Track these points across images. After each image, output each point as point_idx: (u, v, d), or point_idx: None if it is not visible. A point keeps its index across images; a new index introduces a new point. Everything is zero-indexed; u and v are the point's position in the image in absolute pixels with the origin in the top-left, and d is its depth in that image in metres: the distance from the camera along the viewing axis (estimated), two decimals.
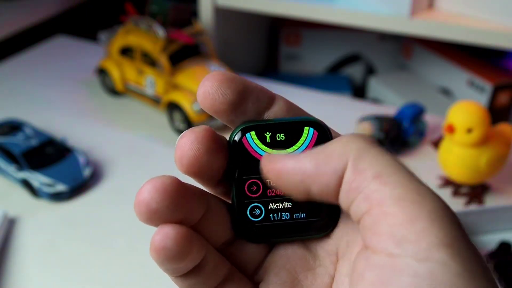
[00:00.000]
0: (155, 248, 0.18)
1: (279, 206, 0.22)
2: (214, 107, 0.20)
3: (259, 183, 0.22)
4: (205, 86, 0.20)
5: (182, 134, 0.20)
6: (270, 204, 0.22)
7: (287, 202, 0.22)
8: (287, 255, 0.22)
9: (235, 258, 0.22)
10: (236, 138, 0.21)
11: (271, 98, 0.22)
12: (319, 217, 0.22)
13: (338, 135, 0.22)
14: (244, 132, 0.21)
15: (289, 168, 0.19)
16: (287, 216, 0.22)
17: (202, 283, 0.20)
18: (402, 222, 0.16)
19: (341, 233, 0.21)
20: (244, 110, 0.21)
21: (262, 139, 0.22)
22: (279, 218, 0.22)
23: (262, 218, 0.22)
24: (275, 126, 0.21)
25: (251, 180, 0.22)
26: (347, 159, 0.18)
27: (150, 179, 0.19)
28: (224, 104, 0.20)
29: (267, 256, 0.22)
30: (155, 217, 0.18)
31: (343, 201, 0.19)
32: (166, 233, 0.18)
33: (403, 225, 0.16)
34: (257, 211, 0.22)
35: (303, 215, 0.22)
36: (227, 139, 0.22)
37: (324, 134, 0.22)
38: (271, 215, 0.22)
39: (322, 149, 0.19)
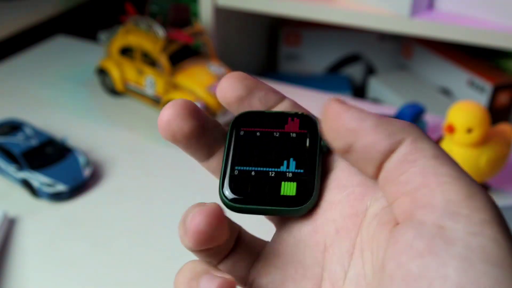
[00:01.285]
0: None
1: (267, 174, 0.22)
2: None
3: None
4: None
5: (165, 106, 0.21)
6: (257, 171, 0.22)
7: (273, 169, 0.22)
8: (278, 252, 0.22)
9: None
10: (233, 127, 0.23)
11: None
12: (296, 194, 0.22)
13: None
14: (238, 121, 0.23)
15: (352, 113, 0.19)
16: (270, 186, 0.22)
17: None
18: (458, 198, 0.17)
19: (326, 223, 0.21)
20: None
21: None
22: (262, 188, 0.22)
23: (245, 184, 0.22)
24: (266, 116, 0.23)
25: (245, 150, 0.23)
26: (405, 136, 0.19)
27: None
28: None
29: (260, 255, 0.23)
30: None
31: (390, 170, 0.19)
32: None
33: (458, 200, 0.17)
34: (243, 178, 0.22)
35: (287, 189, 0.22)
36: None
37: (313, 129, 0.23)
38: (257, 182, 0.22)
39: (385, 117, 0.20)
